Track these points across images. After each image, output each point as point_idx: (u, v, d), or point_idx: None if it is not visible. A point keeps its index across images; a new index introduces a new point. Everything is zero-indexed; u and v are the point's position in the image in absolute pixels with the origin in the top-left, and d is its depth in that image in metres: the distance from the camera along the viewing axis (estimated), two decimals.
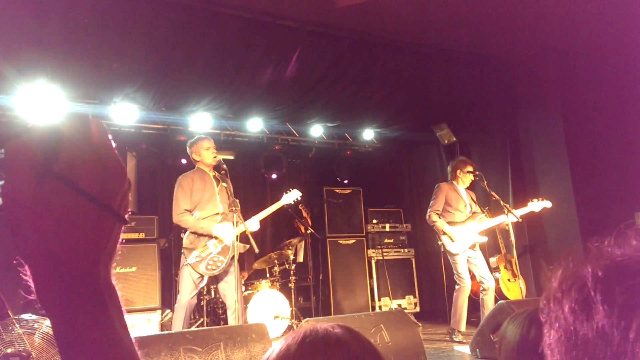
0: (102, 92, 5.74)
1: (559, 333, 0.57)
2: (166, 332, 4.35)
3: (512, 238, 5.33)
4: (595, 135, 5.83)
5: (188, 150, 4.81)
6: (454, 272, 5.57)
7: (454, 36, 5.67)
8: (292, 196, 5.06)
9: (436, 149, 7.88)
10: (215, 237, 4.51)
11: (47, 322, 3.77)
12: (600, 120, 5.79)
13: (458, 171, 5.77)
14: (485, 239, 5.60)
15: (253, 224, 4.60)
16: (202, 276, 4.48)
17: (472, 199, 5.82)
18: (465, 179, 5.75)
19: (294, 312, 6.12)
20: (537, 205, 5.54)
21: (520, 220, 5.38)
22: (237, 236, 4.44)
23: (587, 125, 5.86)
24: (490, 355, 4.30)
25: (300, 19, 5.16)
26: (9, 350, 3.45)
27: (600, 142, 5.83)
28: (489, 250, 6.48)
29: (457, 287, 5.55)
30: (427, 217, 5.70)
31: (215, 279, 4.74)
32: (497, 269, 6.35)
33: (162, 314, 5.75)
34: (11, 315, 3.86)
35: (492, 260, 6.42)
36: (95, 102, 5.95)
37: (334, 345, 0.77)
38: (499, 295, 6.06)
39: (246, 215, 4.65)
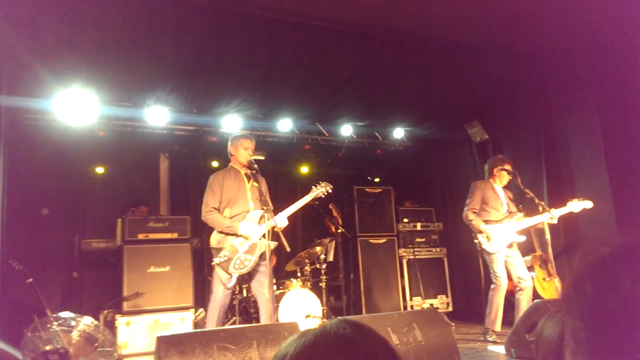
0: (136, 95, 5.85)
1: (585, 318, 0.57)
2: (200, 330, 4.40)
3: (548, 237, 5.20)
4: (633, 131, 5.65)
5: (229, 142, 4.86)
6: (491, 271, 5.46)
7: (486, 33, 5.58)
8: (321, 189, 4.89)
9: (468, 147, 7.77)
10: (242, 236, 4.54)
11: (85, 319, 3.85)
12: (639, 115, 5.61)
13: (495, 169, 5.65)
14: (523, 238, 5.48)
15: (281, 220, 4.58)
16: (231, 275, 4.51)
17: (509, 197, 5.72)
18: (502, 177, 5.65)
19: (325, 311, 6.12)
20: (577, 205, 5.37)
21: (556, 222, 5.25)
22: (268, 232, 4.43)
23: (626, 121, 5.69)
24: (526, 355, 4.21)
25: (329, 19, 5.16)
26: (47, 348, 3.54)
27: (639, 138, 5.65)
28: (523, 249, 6.34)
29: (492, 286, 5.43)
30: (463, 215, 5.62)
31: (247, 278, 4.76)
32: (531, 268, 6.21)
33: (195, 313, 5.82)
34: (49, 314, 3.96)
35: (527, 259, 6.28)
36: (129, 105, 6.07)
37: (347, 347, 0.76)
38: (534, 294, 5.93)
39: (276, 214, 4.65)
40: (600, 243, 0.59)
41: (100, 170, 6.83)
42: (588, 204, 5.39)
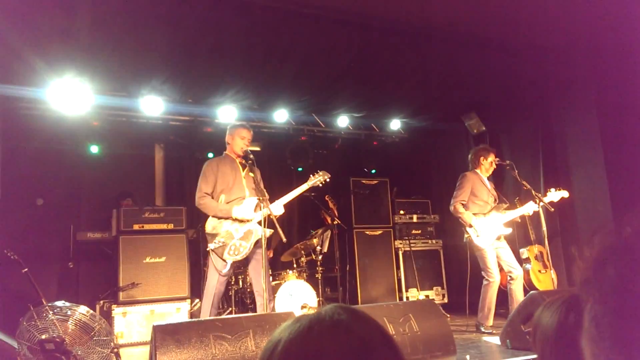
0: (130, 85, 5.81)
1: (608, 302, 0.54)
2: (196, 319, 4.40)
3: (544, 229, 5.22)
4: (631, 122, 5.65)
5: (227, 131, 4.90)
6: (482, 266, 5.41)
7: (483, 24, 5.55)
8: (319, 178, 4.89)
9: (465, 139, 7.76)
10: (236, 219, 4.53)
11: (81, 309, 3.84)
12: (636, 106, 5.61)
13: (482, 159, 5.61)
14: (509, 230, 5.48)
15: (277, 208, 4.57)
16: (226, 262, 4.50)
17: (494, 188, 5.70)
18: (489, 168, 5.62)
19: (321, 302, 6.13)
20: (555, 195, 5.41)
21: (552, 209, 5.27)
22: (264, 219, 4.42)
23: (623, 113, 5.69)
24: (521, 346, 4.23)
25: (326, 7, 5.12)
26: (43, 337, 3.53)
27: (637, 129, 5.64)
28: (519, 241, 6.37)
29: (485, 282, 5.40)
30: (451, 208, 5.54)
31: (244, 267, 4.77)
32: (527, 260, 6.24)
33: (191, 304, 5.82)
34: (45, 303, 3.95)
35: (523, 251, 6.31)
36: (123, 95, 6.03)
37: (342, 332, 0.75)
38: (530, 286, 5.96)
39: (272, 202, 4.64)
40: (620, 224, 0.57)
41: (94, 160, 6.79)
42: (564, 194, 5.46)
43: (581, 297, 0.59)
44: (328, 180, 4.92)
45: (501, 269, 5.46)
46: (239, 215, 4.51)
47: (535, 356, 1.46)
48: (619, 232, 0.57)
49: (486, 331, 5.31)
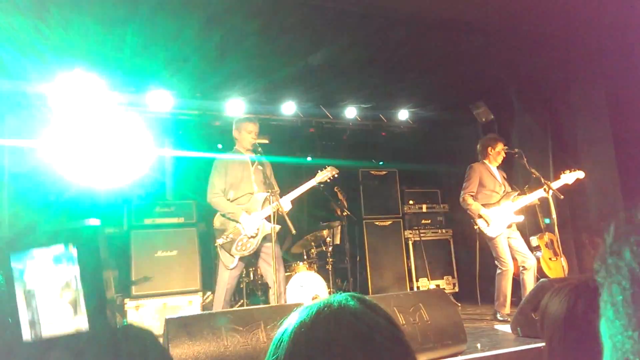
0: (138, 80, 5.83)
1: (622, 285, 0.56)
2: (207, 312, 4.44)
3: (554, 216, 5.20)
4: None
5: (233, 126, 4.89)
6: (494, 255, 5.41)
7: (489, 11, 5.51)
8: (326, 173, 4.89)
9: (473, 128, 7.73)
10: (241, 223, 4.56)
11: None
12: None
13: (489, 149, 5.60)
14: (521, 218, 5.46)
15: (284, 204, 4.59)
16: (234, 257, 4.53)
17: (503, 177, 5.67)
18: (497, 157, 5.59)
19: (332, 293, 6.15)
20: (569, 177, 5.37)
21: (562, 197, 5.24)
22: (273, 215, 4.44)
23: (632, 98, 5.63)
24: (532, 334, 4.23)
25: None
26: None
27: None
28: (529, 229, 6.35)
29: (498, 270, 5.39)
30: (460, 200, 5.56)
31: (255, 261, 4.80)
32: (538, 248, 6.22)
33: (203, 296, 5.87)
34: None
35: (533, 239, 6.29)
36: (131, 90, 6.06)
37: (348, 318, 0.76)
38: (540, 274, 5.95)
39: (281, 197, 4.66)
40: (633, 211, 0.60)
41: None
42: (580, 174, 5.39)
43: (596, 282, 0.62)
44: (336, 175, 4.93)
45: (514, 259, 5.46)
46: (244, 224, 4.53)
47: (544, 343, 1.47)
48: (633, 217, 0.59)
49: (502, 318, 5.31)
